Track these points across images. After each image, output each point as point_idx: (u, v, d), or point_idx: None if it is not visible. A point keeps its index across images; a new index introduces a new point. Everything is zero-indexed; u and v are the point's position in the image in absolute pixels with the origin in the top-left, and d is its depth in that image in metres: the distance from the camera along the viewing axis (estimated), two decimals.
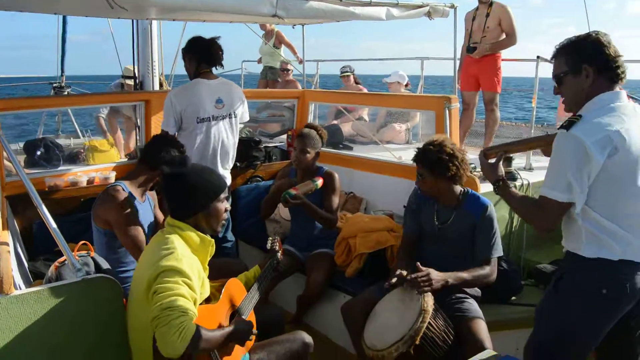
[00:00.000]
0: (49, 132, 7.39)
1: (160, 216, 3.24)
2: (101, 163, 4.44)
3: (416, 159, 2.95)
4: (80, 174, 3.96)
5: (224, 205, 2.38)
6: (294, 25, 5.10)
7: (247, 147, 4.80)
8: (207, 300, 2.34)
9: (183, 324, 1.97)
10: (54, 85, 7.61)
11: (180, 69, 3.89)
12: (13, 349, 2.03)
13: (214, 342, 2.12)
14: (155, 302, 2.02)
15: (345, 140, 5.82)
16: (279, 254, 2.86)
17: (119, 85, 6.11)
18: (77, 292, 2.17)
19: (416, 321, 2.50)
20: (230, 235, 4.03)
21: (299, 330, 2.65)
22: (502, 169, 2.50)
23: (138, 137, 4.38)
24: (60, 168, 4.29)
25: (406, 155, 4.69)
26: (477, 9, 5.44)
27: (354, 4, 3.28)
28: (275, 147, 5.26)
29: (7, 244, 2.31)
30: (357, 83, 7.32)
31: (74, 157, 4.96)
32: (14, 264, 2.47)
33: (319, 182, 3.61)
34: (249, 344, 2.38)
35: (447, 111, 3.78)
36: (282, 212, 4.39)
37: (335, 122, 6.40)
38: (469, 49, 5.41)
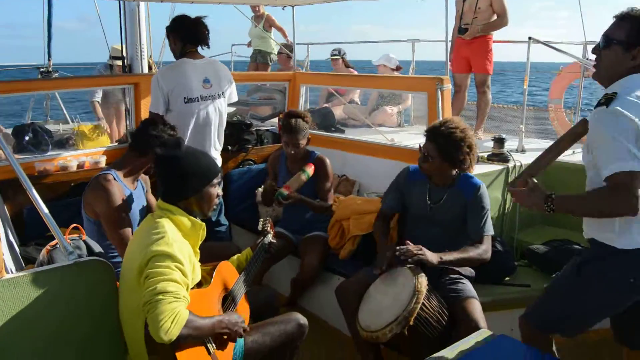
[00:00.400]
0: (37, 119, 7.31)
1: (153, 201, 3.20)
2: (91, 148, 4.40)
3: (429, 137, 2.86)
4: (70, 159, 3.92)
5: (217, 190, 2.36)
6: (284, 6, 5.05)
7: (239, 131, 4.76)
8: (199, 285, 2.33)
9: (176, 310, 1.96)
10: (41, 70, 7.50)
11: (170, 53, 3.82)
12: (6, 332, 2.02)
13: (206, 328, 2.11)
14: (146, 287, 2.00)
15: (337, 123, 5.80)
16: (270, 235, 2.85)
17: (107, 67, 5.98)
18: (70, 275, 2.16)
19: (410, 302, 2.50)
20: (223, 219, 4.01)
21: (293, 312, 2.64)
22: (542, 188, 2.24)
23: (128, 122, 4.34)
24: (49, 153, 4.23)
25: (398, 138, 4.70)
26: None
27: None
28: (267, 130, 5.23)
29: None
30: (347, 66, 7.27)
31: (64, 143, 4.90)
32: (5, 248, 2.44)
33: (310, 170, 3.59)
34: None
35: (439, 92, 3.76)
36: None
37: (326, 105, 6.37)
38: (460, 30, 5.38)
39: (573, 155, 3.83)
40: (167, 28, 3.66)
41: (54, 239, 2.46)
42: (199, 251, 2.37)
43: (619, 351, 2.58)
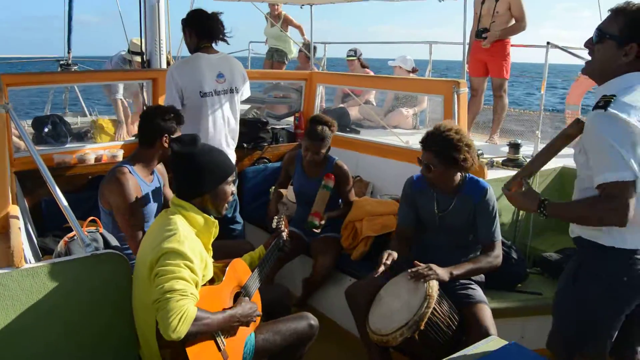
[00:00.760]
0: (56, 111, 7.40)
1: (170, 195, 3.22)
2: (108, 142, 4.46)
3: (425, 146, 2.82)
4: (88, 151, 3.97)
5: (231, 187, 2.37)
6: (302, 5, 5.06)
7: (254, 129, 4.79)
8: (211, 282, 2.35)
9: (183, 308, 1.98)
10: (61, 63, 7.59)
11: (185, 50, 3.84)
12: (23, 320, 2.06)
13: (215, 325, 2.13)
14: (156, 284, 2.03)
15: (353, 123, 5.81)
16: (284, 234, 2.86)
17: (125, 61, 5.97)
18: (86, 267, 2.20)
19: (421, 306, 2.51)
20: (239, 217, 4.03)
21: (305, 312, 2.65)
22: (536, 192, 2.25)
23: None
24: (68, 145, 4.29)
25: (413, 140, 4.68)
26: None
27: None
28: (282, 128, 5.25)
29: (17, 217, 2.32)
30: (363, 67, 7.26)
31: (82, 135, 4.97)
32: (24, 238, 2.49)
33: (331, 183, 3.63)
34: (254, 324, 2.40)
35: (455, 95, 3.75)
36: (289, 194, 4.40)
37: (342, 105, 6.38)
38: (478, 33, 5.36)
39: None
40: (183, 22, 3.66)
41: (71, 230, 2.50)
42: (211, 248, 2.38)
43: None
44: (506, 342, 2.19)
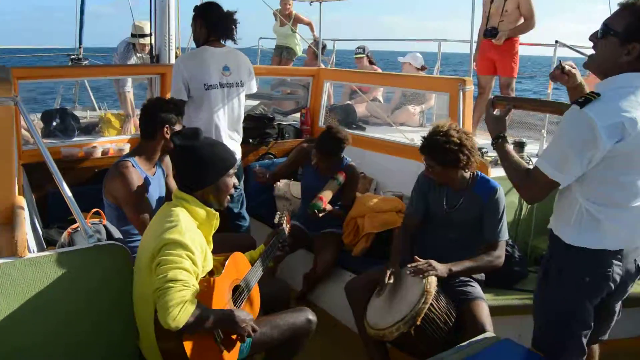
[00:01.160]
0: (66, 105, 7.48)
1: (174, 185, 3.24)
2: (116, 135, 4.50)
3: (423, 151, 2.87)
4: (95, 145, 4.01)
5: (233, 180, 2.40)
6: (312, 2, 5.08)
7: (261, 124, 4.82)
8: (211, 274, 2.37)
9: (185, 298, 2.01)
10: (72, 57, 7.67)
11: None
12: (25, 309, 2.10)
13: (212, 322, 2.14)
14: (158, 273, 2.06)
15: (359, 120, 5.82)
16: (286, 229, 2.89)
17: (130, 46, 5.92)
18: (89, 257, 2.23)
19: (418, 302, 2.53)
20: (245, 213, 4.06)
21: (303, 307, 2.67)
22: (505, 124, 2.37)
23: None
24: (75, 139, 4.34)
25: (418, 138, 4.67)
26: None
27: None
28: (289, 124, 5.27)
29: (22, 208, 2.36)
30: (371, 63, 7.27)
31: (90, 129, 5.02)
32: (29, 229, 2.53)
33: (342, 178, 3.65)
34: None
35: (461, 93, 3.75)
36: (293, 189, 4.43)
37: (349, 102, 6.40)
38: (486, 32, 5.35)
39: None
40: (196, 11, 3.64)
41: (75, 222, 2.54)
42: (212, 240, 2.41)
43: None
44: (500, 338, 2.22)
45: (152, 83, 4.38)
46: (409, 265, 2.69)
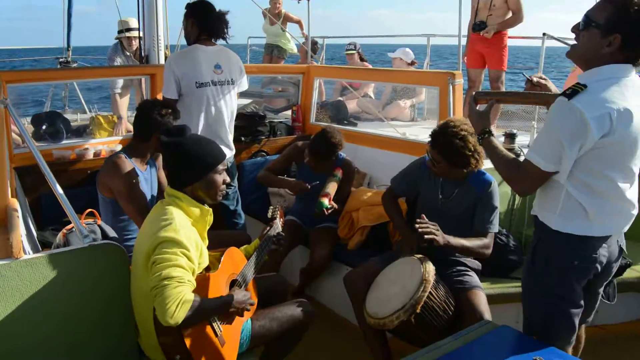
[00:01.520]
0: (56, 108, 7.44)
1: (164, 178, 3.25)
2: (107, 137, 4.48)
3: (434, 145, 2.85)
4: (87, 147, 4.00)
5: (222, 176, 2.39)
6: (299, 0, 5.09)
7: (252, 122, 4.81)
8: (207, 270, 2.38)
9: (181, 294, 2.02)
10: (60, 60, 7.62)
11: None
12: (22, 310, 2.10)
13: (211, 311, 2.17)
14: (154, 272, 2.06)
15: (351, 116, 5.83)
16: (279, 223, 2.89)
17: (117, 45, 5.91)
18: (84, 257, 2.23)
19: (417, 290, 2.55)
20: (241, 210, 4.06)
21: (302, 300, 2.69)
22: (490, 119, 2.38)
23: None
24: (67, 141, 4.32)
25: (410, 132, 4.72)
26: None
27: None
28: (280, 122, 5.28)
29: (16, 210, 2.36)
30: (362, 60, 7.28)
31: (81, 131, 5.00)
32: (23, 231, 2.52)
33: (339, 174, 3.67)
34: (248, 313, 2.42)
35: (450, 87, 3.78)
36: None
37: (341, 98, 6.41)
38: (475, 26, 5.38)
39: None
40: (188, 9, 3.63)
41: (69, 224, 2.54)
42: (206, 236, 2.42)
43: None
44: (497, 325, 2.24)
45: (141, 83, 4.37)
46: (418, 221, 2.65)
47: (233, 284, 2.44)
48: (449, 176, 2.94)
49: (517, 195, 3.87)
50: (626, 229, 2.23)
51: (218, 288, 2.32)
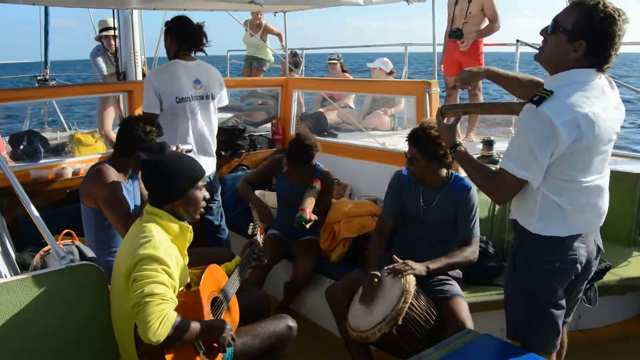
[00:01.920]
0: (36, 126, 7.37)
1: (145, 191, 3.23)
2: (86, 155, 4.45)
3: (408, 140, 2.93)
4: (65, 166, 3.97)
5: (202, 193, 2.38)
6: (276, 12, 5.11)
7: (232, 136, 4.81)
8: (188, 287, 2.36)
9: (164, 311, 2.00)
10: (39, 78, 7.58)
11: (163, 52, 3.85)
12: (2, 336, 2.06)
13: (193, 333, 2.14)
14: (134, 289, 2.04)
15: (331, 128, 5.85)
16: (260, 239, 2.89)
17: (100, 48, 5.94)
18: (62, 279, 2.20)
19: (398, 302, 2.54)
20: (224, 225, 4.04)
21: (283, 314, 2.68)
22: (459, 132, 2.42)
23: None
24: (45, 160, 4.28)
25: (391, 141, 4.74)
26: None
27: None
28: (261, 135, 5.27)
29: None
30: (344, 71, 7.33)
31: (60, 150, 4.96)
32: None
33: (318, 185, 3.67)
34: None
35: (427, 95, 3.82)
36: (268, 200, 4.42)
37: (321, 110, 6.43)
38: (451, 34, 5.44)
39: (616, 165, 3.90)
40: (166, 26, 3.66)
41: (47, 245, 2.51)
42: (187, 254, 2.40)
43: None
44: (479, 334, 2.24)
45: (119, 101, 4.35)
46: (386, 268, 2.71)
47: (214, 301, 2.43)
48: (427, 178, 2.96)
49: None
50: (600, 224, 2.26)
51: (200, 305, 2.30)
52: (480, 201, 3.10)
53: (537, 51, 2.21)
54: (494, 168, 2.28)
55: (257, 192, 4.47)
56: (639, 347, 3.37)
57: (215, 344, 2.26)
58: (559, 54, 2.04)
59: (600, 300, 3.22)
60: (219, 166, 4.35)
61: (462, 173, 3.26)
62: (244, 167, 4.82)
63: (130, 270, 2.11)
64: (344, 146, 4.79)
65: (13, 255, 3.22)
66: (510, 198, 2.21)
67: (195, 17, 3.64)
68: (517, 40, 4.79)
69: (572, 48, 2.00)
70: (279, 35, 8.27)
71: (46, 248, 2.52)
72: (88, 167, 3.93)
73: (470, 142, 5.35)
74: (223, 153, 4.66)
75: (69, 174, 3.92)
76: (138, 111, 4.15)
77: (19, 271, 3.03)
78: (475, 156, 4.05)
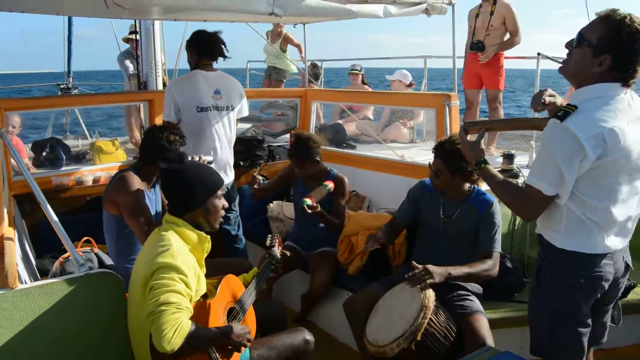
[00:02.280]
0: (58, 134, 7.48)
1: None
2: (107, 163, 4.50)
3: (435, 152, 2.92)
4: (86, 173, 4.01)
5: (222, 202, 2.40)
6: (295, 24, 5.14)
7: (251, 146, 4.82)
8: (204, 297, 2.36)
9: (178, 320, 2.00)
10: (61, 86, 7.70)
11: (184, 63, 3.92)
12: (20, 341, 2.08)
13: (208, 340, 2.14)
14: (151, 298, 2.05)
15: (350, 139, 5.84)
16: (278, 251, 2.88)
17: (123, 56, 6.10)
18: (80, 286, 2.22)
19: (417, 317, 2.51)
20: (242, 235, 4.05)
21: (300, 327, 2.66)
22: (483, 148, 2.39)
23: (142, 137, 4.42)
24: (66, 167, 4.33)
25: (409, 154, 4.72)
26: (480, 5, 5.44)
27: (352, 2, 3.30)
28: (279, 146, 5.28)
29: (11, 239, 2.35)
30: (364, 83, 7.32)
31: (81, 158, 5.01)
32: (20, 259, 2.51)
33: (331, 185, 3.64)
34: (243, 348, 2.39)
35: (447, 108, 3.79)
36: (286, 211, 4.42)
37: (339, 121, 6.42)
38: (472, 46, 5.41)
39: None
40: (187, 41, 3.74)
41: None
42: (204, 264, 2.40)
43: None
44: (499, 351, 2.20)
45: (140, 110, 4.39)
46: (406, 276, 2.66)
47: (231, 312, 2.42)
48: (451, 191, 2.95)
49: (517, 217, 3.85)
50: (627, 242, 2.21)
51: (216, 316, 2.30)
52: (501, 215, 3.06)
53: (559, 64, 2.19)
54: (517, 182, 2.24)
55: (275, 203, 4.48)
56: None
57: (229, 347, 2.25)
58: (583, 68, 2.03)
59: (624, 319, 3.14)
60: (237, 176, 4.36)
61: (484, 187, 3.24)
62: (262, 177, 4.82)
63: (147, 279, 2.11)
64: (362, 158, 4.77)
65: (33, 261, 3.26)
66: (538, 215, 2.16)
67: (216, 28, 3.70)
68: (538, 54, 4.74)
69: (597, 62, 1.98)
70: (298, 46, 8.30)
71: (66, 255, 2.54)
72: (108, 175, 3.99)
73: (491, 156, 5.31)
74: (242, 163, 4.68)
75: (89, 181, 3.96)
76: (158, 120, 4.18)
77: (39, 277, 3.06)
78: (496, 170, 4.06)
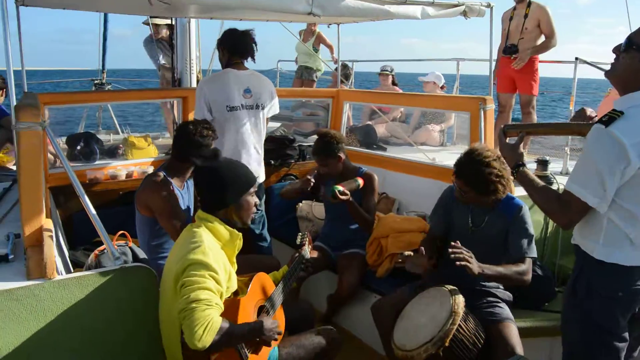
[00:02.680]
0: (90, 129, 7.61)
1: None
2: (139, 158, 4.57)
3: (459, 174, 2.80)
4: (119, 168, 4.07)
5: (254, 199, 2.42)
6: (330, 24, 5.13)
7: (281, 146, 4.84)
8: (235, 294, 2.38)
9: (209, 317, 2.02)
10: (95, 82, 7.84)
11: (218, 64, 3.95)
12: (54, 330, 2.13)
13: (239, 336, 2.16)
14: (182, 294, 2.07)
15: (380, 140, 5.82)
16: (308, 250, 2.88)
17: (147, 42, 6.22)
18: (115, 279, 2.26)
19: (446, 322, 2.49)
20: (266, 234, 4.06)
21: (329, 327, 2.67)
22: (522, 152, 2.35)
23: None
24: (100, 162, 4.41)
25: (440, 157, 4.67)
26: (514, 8, 5.37)
27: (390, 3, 3.27)
28: (309, 146, 5.28)
29: (50, 230, 2.39)
30: (394, 84, 7.29)
31: (113, 152, 5.09)
32: (56, 251, 2.56)
33: (360, 181, 3.63)
34: (275, 341, 2.41)
35: (482, 112, 3.73)
36: (315, 211, 4.43)
37: (369, 122, 6.41)
38: (506, 49, 5.34)
39: None
40: (218, 41, 3.78)
41: (101, 244, 2.57)
42: (235, 261, 2.42)
43: None
44: None
45: (174, 106, 4.45)
46: (450, 250, 2.58)
47: (261, 309, 2.43)
48: (479, 203, 2.89)
49: (549, 224, 3.79)
50: None
51: (246, 313, 2.31)
52: (533, 221, 3.01)
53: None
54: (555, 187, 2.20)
55: (305, 203, 4.48)
56: None
57: (259, 340, 2.27)
58: (631, 73, 1.99)
59: None
60: (267, 175, 4.38)
61: (521, 191, 3.18)
62: (292, 177, 4.84)
63: (179, 275, 2.14)
64: (392, 160, 4.74)
65: (67, 253, 3.32)
66: (575, 223, 2.13)
67: (250, 26, 3.72)
68: (576, 58, 4.63)
69: None
70: (330, 47, 8.30)
71: (101, 247, 2.58)
72: (142, 171, 4.05)
73: None
74: (272, 162, 4.70)
75: (122, 176, 4.02)
76: (191, 116, 4.23)
77: (72, 269, 3.12)
78: None
